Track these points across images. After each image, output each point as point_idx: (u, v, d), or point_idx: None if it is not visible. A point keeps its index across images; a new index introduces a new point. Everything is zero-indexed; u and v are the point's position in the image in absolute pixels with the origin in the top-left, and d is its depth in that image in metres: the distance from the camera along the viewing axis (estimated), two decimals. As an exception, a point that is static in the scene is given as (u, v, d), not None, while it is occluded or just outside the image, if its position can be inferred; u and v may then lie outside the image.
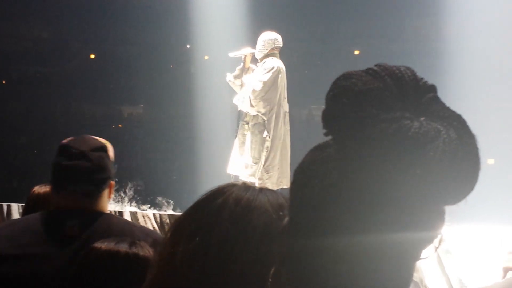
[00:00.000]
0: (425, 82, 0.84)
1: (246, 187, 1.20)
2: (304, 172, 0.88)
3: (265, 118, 6.71)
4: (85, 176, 2.18)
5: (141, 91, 20.37)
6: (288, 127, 6.90)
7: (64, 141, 2.26)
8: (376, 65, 0.85)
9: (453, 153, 0.78)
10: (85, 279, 1.80)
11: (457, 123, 0.81)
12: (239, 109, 6.86)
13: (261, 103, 6.63)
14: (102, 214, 2.22)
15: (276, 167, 6.69)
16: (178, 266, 1.14)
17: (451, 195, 0.79)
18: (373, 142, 0.78)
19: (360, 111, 0.79)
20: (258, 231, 1.10)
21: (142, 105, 21.65)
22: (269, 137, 6.68)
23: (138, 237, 2.15)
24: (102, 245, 1.84)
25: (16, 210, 6.62)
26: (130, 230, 2.21)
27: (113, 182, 2.32)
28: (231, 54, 6.81)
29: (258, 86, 6.59)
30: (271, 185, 6.42)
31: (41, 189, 2.91)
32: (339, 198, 0.82)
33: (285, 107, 6.89)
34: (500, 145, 14.53)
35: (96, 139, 2.32)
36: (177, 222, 1.21)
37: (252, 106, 6.66)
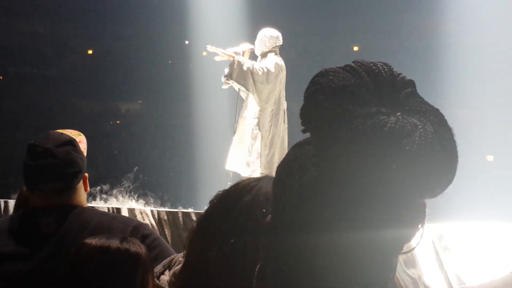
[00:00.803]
0: (403, 78, 0.84)
1: (271, 179, 1.11)
2: (285, 168, 0.88)
3: (251, 96, 6.70)
4: (53, 173, 2.15)
5: (139, 87, 20.35)
6: (286, 126, 6.89)
7: (32, 140, 2.25)
8: (353, 62, 0.85)
9: (430, 147, 0.78)
10: (77, 275, 1.79)
11: (434, 117, 0.81)
12: (237, 89, 6.80)
13: (266, 88, 6.59)
14: (77, 208, 2.19)
15: (275, 164, 6.70)
16: (214, 270, 1.09)
17: (429, 188, 0.79)
18: (349, 138, 0.78)
19: (336, 107, 0.79)
20: None
21: (140, 101, 21.64)
22: (258, 129, 6.66)
23: (117, 227, 2.15)
24: (93, 241, 1.83)
25: (13, 206, 6.60)
26: (108, 222, 2.18)
27: (86, 175, 2.27)
28: (217, 59, 6.74)
29: (260, 71, 6.54)
30: None
31: None
32: (318, 194, 0.82)
33: (284, 104, 6.88)
34: (500, 142, 14.54)
35: (62, 134, 2.29)
36: (202, 224, 1.16)
37: (240, 77, 6.55)
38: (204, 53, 18.55)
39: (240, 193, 1.13)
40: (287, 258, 0.85)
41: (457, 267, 5.48)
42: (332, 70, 0.84)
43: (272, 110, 6.80)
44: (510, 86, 14.49)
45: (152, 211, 6.46)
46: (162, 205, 8.11)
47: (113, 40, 21.18)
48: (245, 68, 6.65)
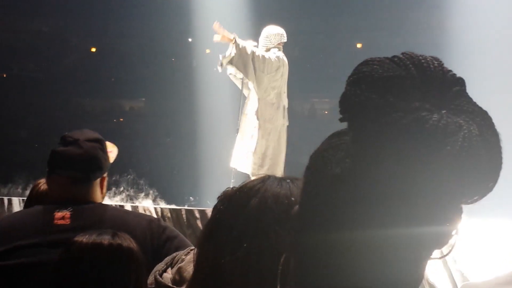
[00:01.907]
0: (453, 75, 0.80)
1: (277, 180, 1.13)
2: (318, 158, 0.84)
3: (241, 77, 6.66)
4: (74, 162, 2.24)
5: (142, 85, 20.35)
6: (286, 122, 6.84)
7: (66, 133, 2.36)
8: (402, 53, 0.81)
9: (473, 149, 0.74)
10: (69, 273, 1.78)
11: (480, 119, 0.77)
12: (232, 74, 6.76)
13: (266, 78, 6.56)
14: (93, 203, 2.25)
15: (268, 157, 6.67)
16: (228, 277, 1.07)
17: (467, 193, 0.76)
18: (387, 131, 0.74)
19: (377, 98, 0.76)
20: None
21: (144, 99, 21.65)
22: (257, 118, 6.63)
23: (133, 221, 2.20)
24: (83, 237, 1.82)
25: (17, 204, 6.61)
26: (122, 216, 2.24)
27: (105, 177, 2.35)
28: (216, 38, 6.63)
29: (261, 57, 6.48)
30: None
31: (44, 185, 2.89)
32: (351, 187, 0.78)
33: (285, 101, 6.83)
34: (506, 138, 14.49)
35: (95, 133, 2.39)
36: (210, 232, 1.13)
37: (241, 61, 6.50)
38: (208, 51, 18.55)
39: (246, 197, 1.11)
40: (313, 251, 0.82)
41: (460, 264, 5.48)
42: (378, 59, 0.80)
43: (274, 103, 6.76)
44: (514, 83, 14.46)
45: (155, 208, 6.47)
46: (166, 202, 8.12)
47: (116, 38, 21.19)
48: (248, 51, 6.60)
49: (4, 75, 20.76)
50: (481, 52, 15.26)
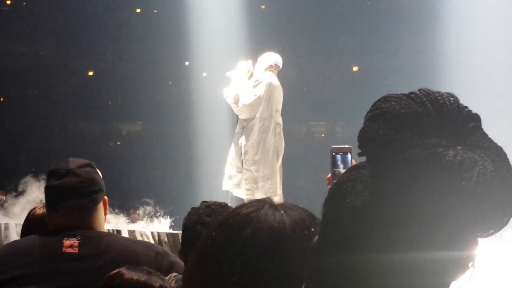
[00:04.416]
0: (469, 111, 0.82)
1: (271, 210, 1.11)
2: (338, 190, 0.87)
3: (245, 125, 6.69)
4: (77, 191, 2.23)
5: (139, 108, 20.40)
6: (280, 139, 6.81)
7: (52, 166, 2.35)
8: (419, 89, 0.84)
9: (488, 185, 0.76)
10: None
11: (495, 155, 0.79)
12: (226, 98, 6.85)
13: (246, 110, 6.63)
14: (100, 232, 2.25)
15: (266, 177, 6.62)
16: None
17: (482, 227, 0.78)
18: (403, 166, 0.77)
19: (394, 134, 0.79)
20: (297, 260, 1.04)
21: (141, 122, 21.68)
22: (246, 146, 6.63)
23: (141, 250, 2.20)
24: (133, 274, 1.81)
25: (13, 228, 6.59)
26: (131, 247, 2.23)
27: (106, 197, 2.34)
28: (228, 74, 6.79)
29: (249, 99, 6.56)
30: (261, 196, 6.33)
31: (40, 209, 2.89)
32: (369, 219, 0.81)
33: (277, 118, 6.81)
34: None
35: (81, 159, 2.39)
36: (201, 258, 1.12)
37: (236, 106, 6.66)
38: (204, 74, 18.65)
39: (239, 226, 1.09)
40: (332, 281, 0.84)
41: (459, 280, 5.45)
42: (395, 96, 0.83)
43: (261, 126, 6.76)
44: (509, 104, 14.56)
45: (152, 232, 6.45)
46: (162, 226, 8.09)
47: (114, 62, 21.27)
48: (234, 105, 6.84)
49: (1, 99, 20.79)
50: (476, 74, 15.37)
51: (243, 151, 6.77)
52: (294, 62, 18.19)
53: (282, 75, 7.07)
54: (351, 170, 0.89)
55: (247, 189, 6.70)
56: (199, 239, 1.98)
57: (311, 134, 20.30)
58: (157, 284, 1.81)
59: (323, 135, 19.77)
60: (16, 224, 6.62)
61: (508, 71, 15.12)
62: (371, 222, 0.81)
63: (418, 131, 0.78)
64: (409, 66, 18.36)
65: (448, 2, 16.07)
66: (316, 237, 0.89)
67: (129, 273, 1.83)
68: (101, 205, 2.30)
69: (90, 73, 21.70)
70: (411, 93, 0.83)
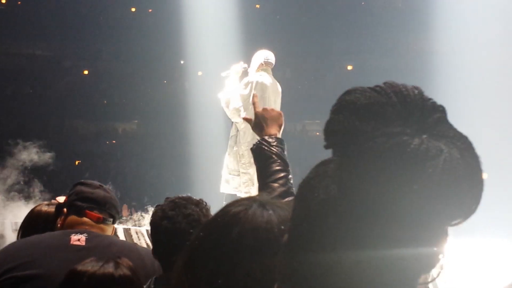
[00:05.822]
0: (433, 103, 0.82)
1: (260, 209, 1.10)
2: (306, 186, 0.86)
3: (239, 128, 6.71)
4: (109, 204, 2.47)
5: (135, 106, 20.39)
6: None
7: (81, 180, 2.60)
8: (384, 82, 0.83)
9: (454, 172, 0.75)
10: None
11: (461, 143, 0.78)
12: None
13: (237, 113, 6.63)
14: (104, 234, 2.44)
15: (256, 181, 6.59)
16: None
17: (450, 216, 0.77)
18: (369, 156, 0.76)
19: (359, 125, 0.78)
20: None
21: (136, 121, 21.66)
22: (241, 149, 6.64)
23: (142, 249, 2.37)
24: (88, 267, 1.83)
25: (9, 227, 6.58)
26: (134, 246, 2.42)
27: (115, 226, 2.54)
28: (224, 74, 6.80)
29: (239, 103, 6.59)
30: None
31: (45, 207, 2.91)
32: (337, 213, 0.80)
33: None
34: (493, 160, 14.58)
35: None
36: (189, 258, 1.12)
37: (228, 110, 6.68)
38: (200, 73, 18.64)
39: (226, 227, 1.09)
40: (303, 277, 0.83)
41: (451, 285, 5.48)
42: (360, 88, 0.82)
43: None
44: (504, 104, 14.59)
45: (147, 230, 6.46)
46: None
47: (109, 61, 21.25)
48: (227, 109, 6.84)
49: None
50: (471, 74, 15.41)
51: (239, 154, 6.79)
52: (289, 61, 18.21)
53: (276, 74, 7.09)
54: (319, 165, 0.88)
55: (245, 192, 6.72)
56: (167, 235, 2.05)
57: (306, 132, 20.32)
58: (119, 273, 1.83)
59: (317, 133, 19.80)
60: (11, 222, 6.62)
61: (502, 70, 15.17)
62: (338, 216, 0.80)
63: (382, 121, 0.78)
64: (404, 65, 18.40)
65: (442, 2, 16.12)
66: (286, 235, 0.87)
67: (80, 266, 1.86)
68: (112, 227, 2.52)
69: (86, 72, 21.67)
70: (376, 86, 0.83)
